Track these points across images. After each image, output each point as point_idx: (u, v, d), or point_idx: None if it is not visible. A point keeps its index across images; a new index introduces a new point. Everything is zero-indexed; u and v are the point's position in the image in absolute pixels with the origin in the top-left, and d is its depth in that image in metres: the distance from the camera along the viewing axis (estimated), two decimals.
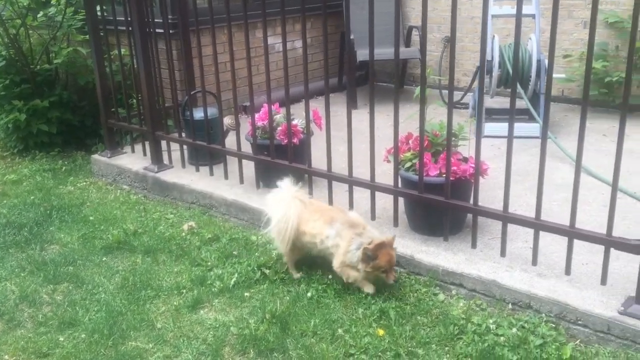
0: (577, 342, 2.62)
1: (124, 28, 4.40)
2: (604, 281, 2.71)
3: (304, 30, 3.52)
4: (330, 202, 3.69)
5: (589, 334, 2.63)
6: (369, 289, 3.00)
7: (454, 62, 3.08)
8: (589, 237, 2.73)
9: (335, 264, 3.00)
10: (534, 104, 5.11)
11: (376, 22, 3.22)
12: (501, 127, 4.80)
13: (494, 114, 5.39)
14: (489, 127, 5.11)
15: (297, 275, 3.22)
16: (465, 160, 3.34)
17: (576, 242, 2.82)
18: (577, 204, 2.75)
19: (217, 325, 2.85)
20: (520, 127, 4.91)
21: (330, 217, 3.07)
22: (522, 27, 3.21)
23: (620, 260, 2.89)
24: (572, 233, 2.75)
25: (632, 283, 2.64)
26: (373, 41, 3.24)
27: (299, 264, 3.27)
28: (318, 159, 3.77)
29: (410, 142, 3.45)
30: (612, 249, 2.67)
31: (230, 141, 4.28)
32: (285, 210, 3.07)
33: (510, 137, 2.94)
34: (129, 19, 4.28)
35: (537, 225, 2.87)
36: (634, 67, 5.50)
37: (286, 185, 3.22)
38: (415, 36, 6.57)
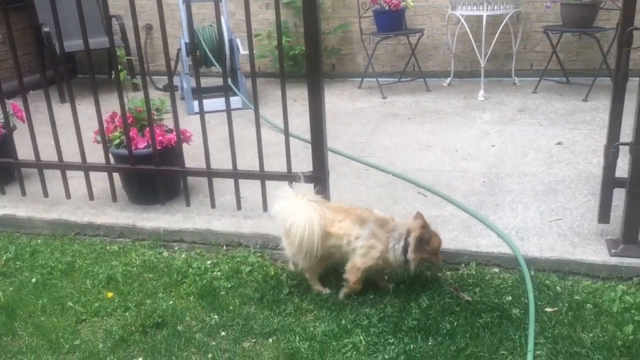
0: (279, 262, 3.18)
1: None
2: None
3: None
4: (45, 193, 3.70)
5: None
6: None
7: (139, 44, 3.36)
8: (275, 177, 3.31)
9: (360, 263, 2.67)
10: (233, 79, 5.68)
11: (71, 12, 3.32)
12: (209, 103, 5.26)
13: (203, 92, 5.81)
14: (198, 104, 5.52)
15: (325, 290, 2.83)
16: (171, 131, 3.67)
17: (272, 183, 3.39)
18: (273, 157, 3.30)
19: None
20: (224, 101, 5.44)
21: (358, 216, 2.73)
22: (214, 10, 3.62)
23: None
24: (262, 176, 3.30)
25: None
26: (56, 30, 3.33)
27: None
28: (29, 153, 3.72)
29: (115, 120, 3.64)
30: (293, 183, 3.28)
31: None
32: (306, 216, 2.64)
33: (201, 111, 3.36)
34: None
35: (236, 174, 3.36)
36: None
37: (291, 191, 2.78)
38: (116, 25, 6.62)
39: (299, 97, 5.90)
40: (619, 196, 2.87)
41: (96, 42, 6.06)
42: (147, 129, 3.48)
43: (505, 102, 5.36)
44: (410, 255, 2.63)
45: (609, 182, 2.84)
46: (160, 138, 3.48)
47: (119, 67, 3.57)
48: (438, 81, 6.18)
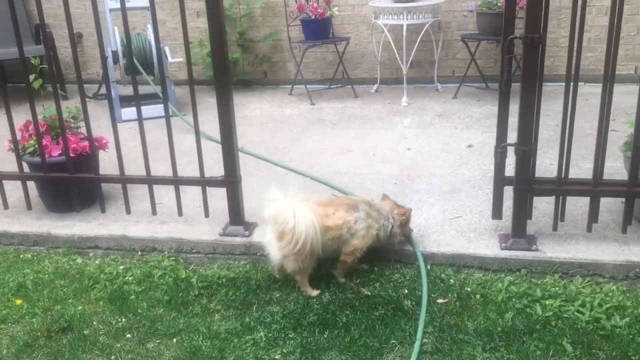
0: (193, 265, 3.25)
1: None
2: (207, 214, 3.40)
3: None
4: None
5: (202, 257, 3.29)
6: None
7: (49, 51, 3.38)
8: (188, 181, 3.39)
9: (362, 244, 2.85)
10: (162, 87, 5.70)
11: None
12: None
13: (131, 100, 5.82)
14: (126, 112, 5.56)
15: (315, 292, 2.86)
16: (87, 138, 3.69)
17: (193, 189, 3.45)
18: (197, 162, 3.37)
19: None
20: (153, 109, 5.48)
21: (347, 204, 2.90)
22: (143, 19, 3.66)
23: (225, 199, 3.63)
24: (176, 181, 3.37)
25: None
26: None
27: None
28: None
29: (30, 129, 3.64)
30: (207, 187, 3.36)
31: None
32: (308, 214, 2.68)
33: (113, 119, 3.40)
34: None
35: (150, 180, 3.41)
36: (243, 48, 6.56)
37: (280, 193, 2.78)
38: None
39: None
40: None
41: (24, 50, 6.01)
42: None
43: (426, 108, 5.58)
44: (397, 230, 2.97)
45: (500, 180, 3.03)
46: (75, 145, 3.50)
47: (35, 75, 3.60)
48: (366, 87, 6.37)
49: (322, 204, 2.88)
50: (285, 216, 2.69)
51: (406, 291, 2.82)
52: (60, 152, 3.52)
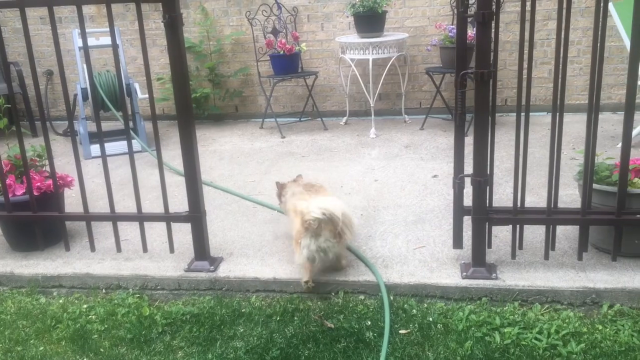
0: (157, 302, 3.24)
1: None
2: (172, 250, 3.40)
3: None
4: None
5: (167, 294, 3.28)
6: None
7: (11, 89, 3.40)
8: (153, 218, 3.40)
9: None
10: (132, 122, 5.74)
11: None
12: (107, 147, 5.29)
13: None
14: (96, 149, 5.56)
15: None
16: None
17: (160, 224, 3.45)
18: (157, 197, 3.38)
19: None
20: (124, 145, 5.47)
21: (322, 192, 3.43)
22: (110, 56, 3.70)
23: (190, 234, 3.64)
24: (140, 217, 3.37)
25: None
26: None
27: None
28: None
29: None
30: (172, 223, 3.37)
31: None
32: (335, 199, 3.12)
33: (76, 157, 3.41)
34: None
35: (114, 217, 3.41)
36: (214, 83, 6.64)
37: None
38: (14, 72, 6.57)
39: (200, 139, 6.02)
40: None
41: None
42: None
43: (394, 139, 5.68)
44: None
45: (459, 210, 3.10)
46: (39, 184, 3.50)
47: None
48: (336, 120, 6.48)
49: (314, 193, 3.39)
50: (333, 208, 2.93)
51: (369, 322, 2.84)
52: (24, 191, 3.51)
